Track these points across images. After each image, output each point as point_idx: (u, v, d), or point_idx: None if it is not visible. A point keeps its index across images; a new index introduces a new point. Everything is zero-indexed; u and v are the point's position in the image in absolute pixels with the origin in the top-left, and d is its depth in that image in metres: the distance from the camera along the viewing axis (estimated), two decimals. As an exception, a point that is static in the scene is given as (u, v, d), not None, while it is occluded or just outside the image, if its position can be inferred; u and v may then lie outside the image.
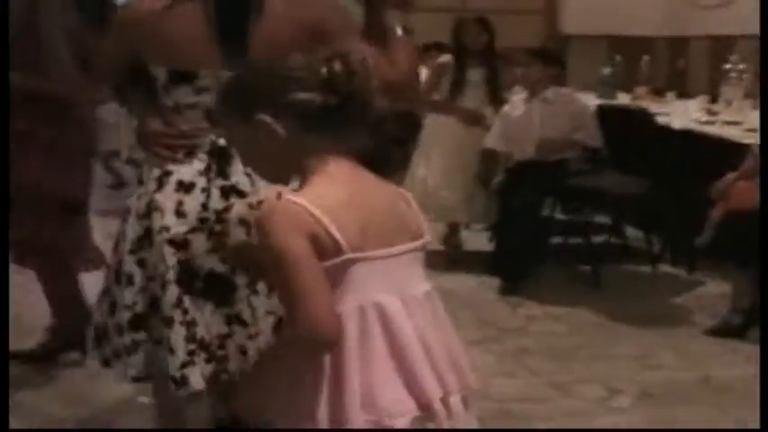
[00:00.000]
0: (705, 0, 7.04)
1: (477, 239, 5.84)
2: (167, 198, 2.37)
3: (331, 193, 1.70)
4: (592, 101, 6.30)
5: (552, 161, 5.19)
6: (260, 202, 2.31)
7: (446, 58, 5.58)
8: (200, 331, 2.35)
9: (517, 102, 5.33)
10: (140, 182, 2.47)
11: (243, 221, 2.34)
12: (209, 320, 2.36)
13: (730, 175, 4.42)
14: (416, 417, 1.73)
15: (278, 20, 2.31)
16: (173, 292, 2.33)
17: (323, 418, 1.68)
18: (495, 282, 5.06)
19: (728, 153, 4.71)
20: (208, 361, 2.36)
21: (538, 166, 5.15)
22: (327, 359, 1.68)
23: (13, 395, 3.20)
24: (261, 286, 2.36)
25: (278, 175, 1.87)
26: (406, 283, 1.77)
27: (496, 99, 5.49)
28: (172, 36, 2.31)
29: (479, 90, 5.50)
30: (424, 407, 1.74)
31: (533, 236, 5.20)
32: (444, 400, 1.76)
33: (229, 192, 2.36)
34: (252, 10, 2.31)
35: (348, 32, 2.36)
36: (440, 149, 5.52)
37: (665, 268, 5.46)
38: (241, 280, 2.36)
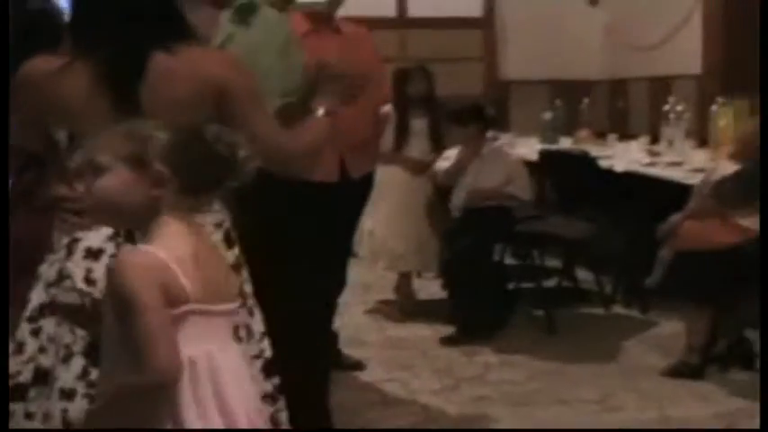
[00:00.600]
0: (641, 41, 7.17)
1: (430, 288, 5.80)
2: (77, 266, 2.28)
3: (180, 246, 1.81)
4: (534, 146, 6.37)
5: (497, 207, 5.21)
6: None
7: (387, 107, 5.57)
8: None
9: (453, 153, 5.40)
10: (51, 249, 2.38)
11: None
12: None
13: (675, 216, 4.46)
14: None
15: (173, 77, 2.25)
16: (78, 363, 2.22)
17: None
18: (448, 330, 5.01)
19: (672, 194, 4.75)
20: None
21: (483, 213, 5.17)
22: (166, 408, 1.76)
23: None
24: None
25: (126, 226, 2.00)
26: (228, 339, 1.92)
27: (440, 147, 5.51)
28: (68, 98, 2.25)
29: (423, 139, 5.51)
30: None
31: (482, 282, 5.18)
32: None
33: None
34: (142, 68, 2.25)
35: (251, 98, 2.32)
36: (386, 200, 5.50)
37: (618, 310, 5.49)
38: None
